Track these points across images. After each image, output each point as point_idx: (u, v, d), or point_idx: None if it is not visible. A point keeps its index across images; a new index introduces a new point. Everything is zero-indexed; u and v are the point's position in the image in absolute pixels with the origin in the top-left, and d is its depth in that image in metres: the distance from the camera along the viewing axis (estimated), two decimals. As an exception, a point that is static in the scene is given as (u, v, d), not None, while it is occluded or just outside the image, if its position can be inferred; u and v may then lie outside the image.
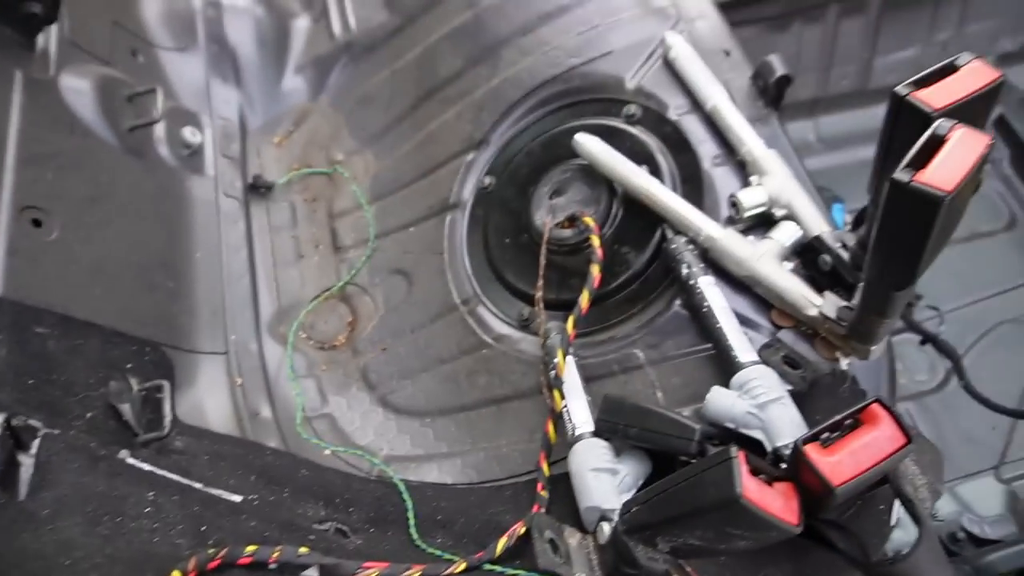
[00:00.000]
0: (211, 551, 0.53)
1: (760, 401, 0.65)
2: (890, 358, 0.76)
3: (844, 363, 0.71)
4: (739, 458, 0.45)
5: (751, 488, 0.45)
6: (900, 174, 0.47)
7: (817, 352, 0.73)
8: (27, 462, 0.56)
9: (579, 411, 0.73)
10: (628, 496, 0.65)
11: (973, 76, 0.52)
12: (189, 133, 1.02)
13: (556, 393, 0.75)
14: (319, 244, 1.05)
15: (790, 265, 0.76)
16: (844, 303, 0.70)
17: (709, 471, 0.47)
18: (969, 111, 0.51)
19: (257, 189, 1.06)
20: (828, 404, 0.68)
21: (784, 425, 0.63)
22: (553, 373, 0.76)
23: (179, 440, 0.76)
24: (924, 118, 0.50)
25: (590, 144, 0.85)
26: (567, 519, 0.69)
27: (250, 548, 0.56)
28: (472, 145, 0.99)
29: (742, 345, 0.71)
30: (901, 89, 0.52)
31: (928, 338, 1.25)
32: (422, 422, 0.89)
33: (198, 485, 0.65)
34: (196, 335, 0.88)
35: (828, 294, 0.71)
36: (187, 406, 0.83)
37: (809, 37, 1.22)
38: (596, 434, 0.71)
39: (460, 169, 0.99)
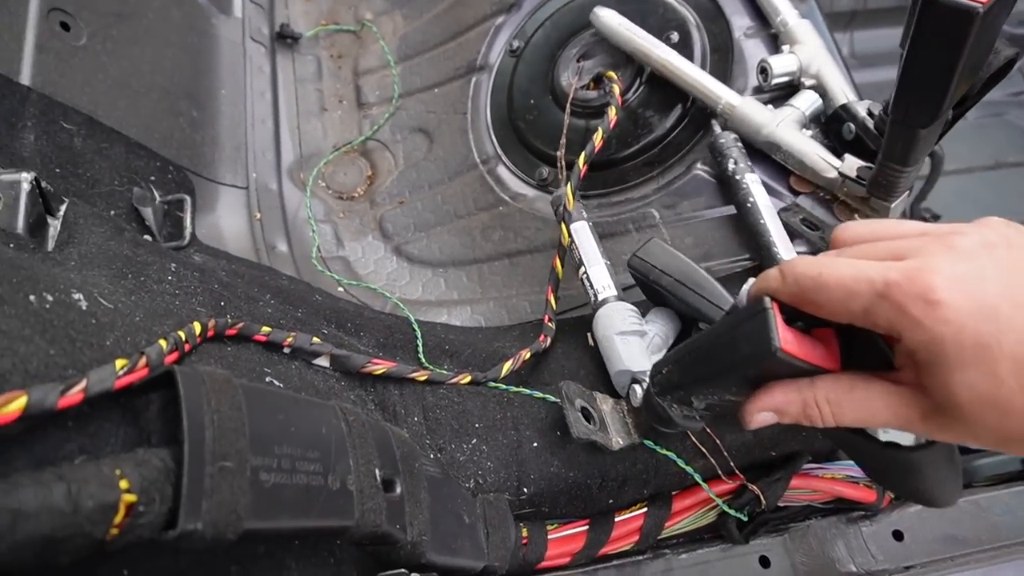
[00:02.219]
0: (231, 320, 0.54)
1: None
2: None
3: (862, 225, 0.72)
4: (773, 309, 0.41)
5: (788, 340, 0.41)
6: (932, -13, 0.46)
7: (836, 216, 0.74)
8: (54, 223, 0.57)
9: (600, 276, 0.71)
10: (658, 357, 0.62)
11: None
12: (216, -29, 1.01)
13: (563, 227, 0.74)
14: (343, 99, 1.04)
15: (809, 132, 0.76)
16: (864, 164, 0.70)
17: (742, 325, 0.43)
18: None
19: (284, 39, 1.05)
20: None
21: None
22: (561, 208, 0.75)
23: (197, 256, 0.77)
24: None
25: (607, 18, 0.84)
26: (574, 353, 0.71)
27: (266, 328, 0.58)
28: (503, 8, 0.98)
29: (784, 243, 0.70)
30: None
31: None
32: (435, 271, 0.91)
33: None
34: (218, 166, 0.89)
35: (848, 156, 0.72)
36: (206, 229, 0.84)
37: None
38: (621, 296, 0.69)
39: (489, 32, 0.98)
